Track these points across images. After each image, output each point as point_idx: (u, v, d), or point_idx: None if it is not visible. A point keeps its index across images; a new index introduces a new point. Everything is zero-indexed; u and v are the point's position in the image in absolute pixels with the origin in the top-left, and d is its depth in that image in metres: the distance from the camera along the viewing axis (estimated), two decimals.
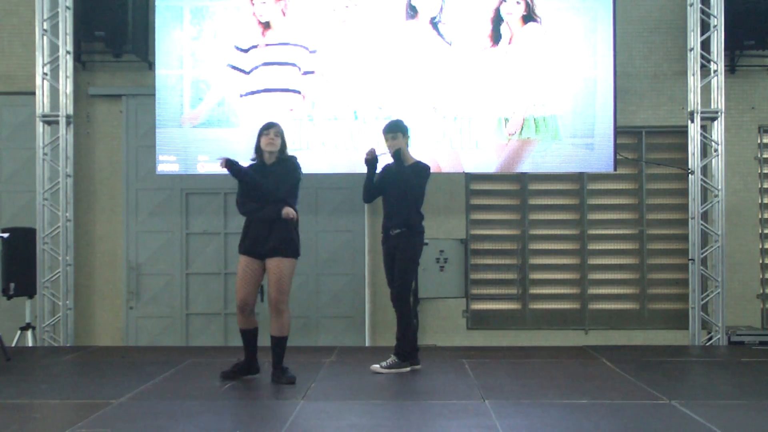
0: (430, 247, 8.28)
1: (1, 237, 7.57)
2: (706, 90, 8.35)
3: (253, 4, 8.31)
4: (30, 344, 8.15)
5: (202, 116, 8.32)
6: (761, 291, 8.95)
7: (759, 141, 9.03)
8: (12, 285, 8.10)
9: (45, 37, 8.44)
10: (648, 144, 9.05)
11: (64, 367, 6.81)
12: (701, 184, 8.41)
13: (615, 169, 8.40)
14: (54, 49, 8.46)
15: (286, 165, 5.89)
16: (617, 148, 8.35)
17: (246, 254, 5.83)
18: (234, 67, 8.31)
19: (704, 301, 8.40)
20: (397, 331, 6.32)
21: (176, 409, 5.11)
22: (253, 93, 8.30)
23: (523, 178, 9.03)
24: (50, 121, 8.51)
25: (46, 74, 8.46)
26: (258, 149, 5.94)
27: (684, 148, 8.54)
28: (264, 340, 5.95)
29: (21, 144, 8.90)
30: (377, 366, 6.22)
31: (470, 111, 8.24)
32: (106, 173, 9.03)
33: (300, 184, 5.95)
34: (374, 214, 8.47)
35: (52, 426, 4.77)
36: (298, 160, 6.02)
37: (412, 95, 8.22)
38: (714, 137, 8.39)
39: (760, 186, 9.00)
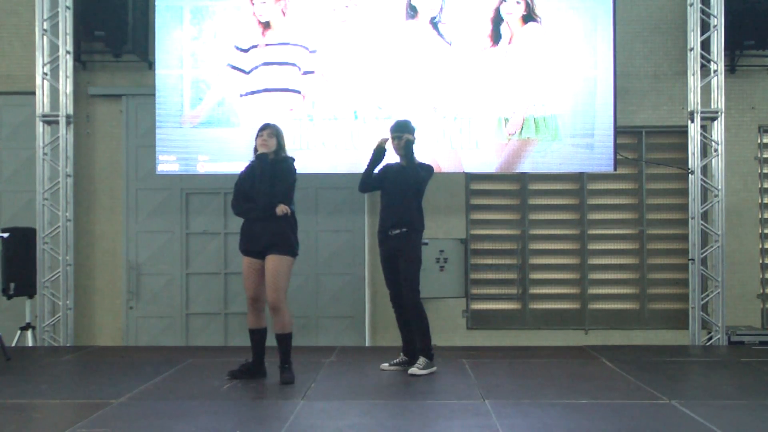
0: (430, 247, 8.29)
1: (1, 237, 7.57)
2: (706, 90, 8.35)
3: (253, 4, 8.31)
4: (30, 344, 8.15)
5: (202, 116, 8.32)
6: (761, 291, 8.96)
7: (759, 141, 9.03)
8: (12, 285, 8.10)
9: (45, 37, 8.44)
10: (648, 144, 9.05)
11: (64, 367, 6.81)
12: (701, 184, 8.41)
13: (615, 169, 8.40)
14: (54, 49, 8.46)
15: (281, 166, 5.89)
16: (617, 148, 8.35)
17: (245, 254, 5.88)
18: (234, 67, 8.31)
19: (704, 301, 8.39)
20: (418, 332, 6.29)
21: (176, 409, 5.11)
22: (253, 93, 8.30)
23: (523, 178, 9.03)
24: (50, 121, 8.51)
25: (46, 74, 8.46)
26: (256, 150, 5.94)
27: (684, 148, 8.54)
28: (271, 340, 5.98)
29: (21, 144, 8.90)
30: (415, 369, 6.15)
31: (470, 111, 8.24)
32: (106, 173, 9.03)
33: (295, 185, 5.96)
34: (374, 214, 8.45)
35: (52, 426, 4.77)
36: (295, 162, 6.02)
37: (412, 95, 8.22)
38: (714, 137, 8.39)
39: (760, 186, 9.00)
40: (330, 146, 8.24)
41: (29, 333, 8.20)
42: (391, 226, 6.27)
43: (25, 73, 8.78)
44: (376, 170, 6.44)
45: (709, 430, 4.58)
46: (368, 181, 6.47)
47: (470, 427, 4.64)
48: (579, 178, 9.01)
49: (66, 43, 8.42)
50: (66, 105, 8.47)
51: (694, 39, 8.30)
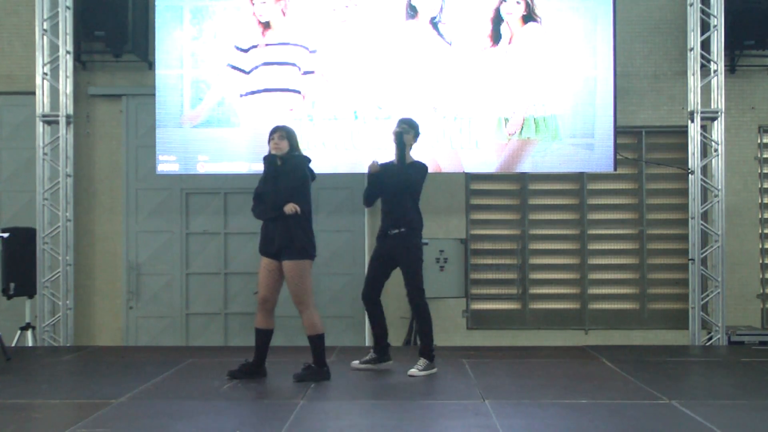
0: (430, 247, 8.28)
1: (1, 237, 7.56)
2: (706, 90, 8.35)
3: (253, 4, 8.31)
4: (30, 344, 8.15)
5: (202, 116, 8.32)
6: (761, 291, 8.96)
7: (759, 141, 9.03)
8: (12, 285, 8.10)
9: (45, 37, 8.44)
10: (648, 144, 9.05)
11: (64, 367, 6.81)
12: (701, 184, 8.40)
13: (615, 169, 8.40)
14: (54, 49, 8.46)
15: (290, 165, 5.89)
16: (617, 148, 8.35)
17: (262, 254, 5.96)
18: (234, 67, 8.31)
19: (704, 301, 8.39)
20: (421, 333, 6.30)
21: (176, 409, 5.11)
22: (253, 93, 8.30)
23: (523, 178, 9.03)
24: (50, 121, 8.51)
25: (46, 74, 8.45)
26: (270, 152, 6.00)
27: (684, 148, 8.53)
28: (275, 341, 6.05)
29: (21, 144, 8.90)
30: (414, 370, 6.14)
31: (470, 111, 8.23)
32: (106, 173, 9.03)
33: (309, 183, 5.97)
34: (374, 214, 8.45)
35: (52, 426, 4.77)
36: (310, 162, 6.04)
37: (412, 95, 8.22)
38: (714, 137, 8.39)
39: (760, 186, 9.00)
40: (330, 146, 8.24)
41: (29, 333, 8.19)
42: (391, 225, 6.27)
43: (25, 73, 8.78)
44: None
45: (709, 430, 4.58)
46: (369, 194, 6.46)
47: (470, 427, 4.64)
48: (579, 178, 9.01)
49: (66, 43, 8.42)
50: (66, 105, 8.46)
51: (694, 39, 8.30)
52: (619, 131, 8.38)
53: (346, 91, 8.26)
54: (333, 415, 4.97)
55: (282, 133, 5.94)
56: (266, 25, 8.32)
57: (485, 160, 8.28)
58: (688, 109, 8.41)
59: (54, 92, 8.49)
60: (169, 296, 9.00)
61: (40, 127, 8.47)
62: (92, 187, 9.01)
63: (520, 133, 8.24)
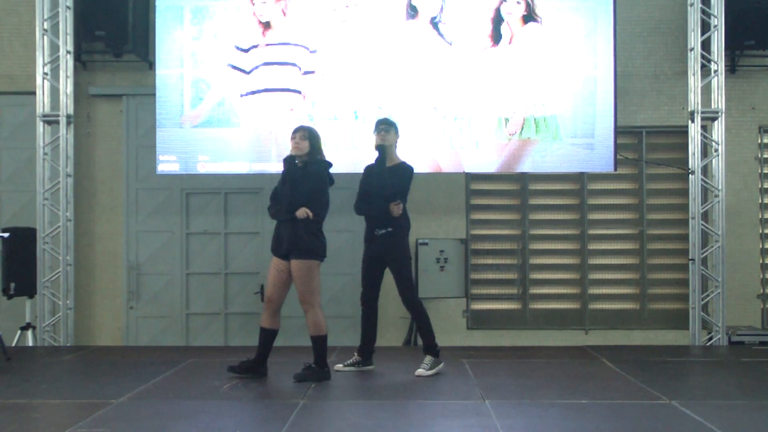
0: (430, 247, 8.30)
1: (1, 237, 7.57)
2: (706, 90, 8.35)
3: (253, 4, 8.31)
4: (30, 344, 8.15)
5: (203, 116, 8.32)
6: (761, 291, 8.96)
7: (759, 141, 9.03)
8: (12, 285, 8.10)
9: (45, 37, 8.44)
10: (648, 144, 9.05)
11: (64, 367, 6.81)
12: (701, 184, 8.40)
13: (615, 169, 8.40)
14: (54, 48, 8.46)
15: (309, 170, 5.91)
16: (617, 148, 8.35)
17: (273, 254, 6.02)
18: (234, 67, 8.31)
19: (704, 301, 8.39)
20: (420, 331, 6.32)
21: (176, 409, 5.11)
22: (253, 93, 8.30)
23: (524, 178, 9.03)
24: (50, 121, 8.51)
25: (46, 74, 8.45)
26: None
27: (684, 148, 8.53)
28: (275, 341, 6.05)
29: (21, 144, 8.90)
30: (421, 370, 6.14)
31: (470, 111, 8.23)
32: (106, 173, 9.03)
33: (327, 189, 6.00)
34: None
35: (52, 426, 4.77)
36: (331, 167, 6.07)
37: (413, 95, 8.22)
38: (714, 137, 8.39)
39: (760, 186, 9.00)
40: (330, 146, 8.20)
41: (29, 333, 8.19)
42: (377, 226, 6.25)
43: (25, 73, 8.78)
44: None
45: (709, 430, 4.58)
46: (359, 200, 6.42)
47: (470, 427, 4.64)
48: (579, 178, 9.01)
49: (66, 43, 8.42)
50: (66, 105, 8.46)
51: (695, 39, 8.29)
52: (619, 131, 8.38)
53: (346, 91, 8.26)
54: (333, 415, 4.97)
55: (304, 134, 5.96)
56: (266, 25, 8.32)
57: (485, 160, 8.28)
58: (689, 109, 8.40)
59: (54, 92, 8.50)
60: (169, 296, 9.00)
61: (40, 127, 8.47)
62: (92, 187, 9.01)
63: (521, 133, 8.23)
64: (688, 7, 8.36)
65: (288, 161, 5.97)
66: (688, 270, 8.47)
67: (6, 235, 7.62)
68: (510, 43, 8.24)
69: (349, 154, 8.18)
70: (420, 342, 6.56)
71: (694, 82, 8.31)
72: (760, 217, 8.97)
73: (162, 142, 8.33)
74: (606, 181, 9.04)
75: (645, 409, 5.09)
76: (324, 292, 8.83)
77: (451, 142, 8.24)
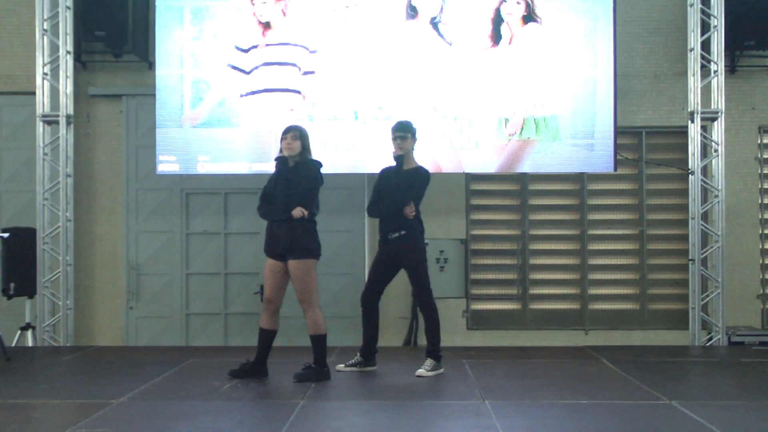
0: (430, 247, 8.24)
1: (1, 237, 7.57)
2: (706, 90, 8.35)
3: (253, 4, 8.31)
4: (30, 344, 8.15)
5: (203, 116, 8.32)
6: (761, 291, 8.96)
7: (759, 141, 9.04)
8: (12, 285, 8.09)
9: (45, 37, 8.44)
10: (648, 144, 9.05)
11: (64, 367, 6.81)
12: (701, 185, 8.40)
13: (615, 170, 8.40)
14: (54, 49, 8.46)
15: (304, 170, 5.92)
16: (617, 148, 8.35)
17: (267, 255, 5.97)
18: (234, 67, 8.31)
19: (704, 301, 8.39)
20: (428, 334, 6.33)
21: (176, 409, 5.11)
22: (253, 93, 8.30)
23: (523, 179, 9.03)
24: (50, 121, 8.51)
25: (46, 74, 8.45)
26: (281, 152, 6.02)
27: (684, 148, 8.53)
28: (275, 341, 6.05)
29: (21, 144, 8.90)
30: (422, 371, 6.15)
31: (470, 111, 8.23)
32: (106, 173, 9.04)
33: (319, 189, 6.01)
34: None
35: (52, 426, 4.77)
36: (321, 167, 6.07)
37: (413, 95, 8.22)
38: (714, 137, 8.39)
39: (760, 186, 9.00)
40: (330, 146, 8.23)
41: (29, 333, 8.19)
42: (391, 230, 6.25)
43: (25, 73, 8.78)
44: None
45: (709, 430, 4.58)
46: (372, 203, 6.45)
47: (470, 427, 4.64)
48: (579, 178, 9.01)
49: (66, 43, 8.42)
50: (66, 105, 8.46)
51: (694, 39, 8.30)
52: (619, 131, 8.38)
53: (346, 92, 8.26)
54: (333, 415, 4.97)
55: (295, 134, 5.96)
56: (266, 26, 8.32)
57: (485, 161, 8.28)
58: (689, 110, 8.40)
59: (54, 92, 8.50)
60: (169, 296, 9.00)
61: (40, 127, 8.47)
62: (92, 187, 9.01)
63: (521, 133, 8.23)
64: (688, 8, 8.36)
65: (281, 161, 5.97)
66: (687, 270, 8.47)
67: (6, 235, 7.62)
68: (510, 43, 8.24)
69: (349, 155, 8.17)
70: (420, 342, 6.56)
71: (694, 82, 8.31)
72: (760, 217, 8.98)
73: (162, 142, 8.32)
74: (606, 182, 9.04)
75: (645, 410, 5.09)
76: (324, 292, 8.84)
77: (451, 142, 8.24)
